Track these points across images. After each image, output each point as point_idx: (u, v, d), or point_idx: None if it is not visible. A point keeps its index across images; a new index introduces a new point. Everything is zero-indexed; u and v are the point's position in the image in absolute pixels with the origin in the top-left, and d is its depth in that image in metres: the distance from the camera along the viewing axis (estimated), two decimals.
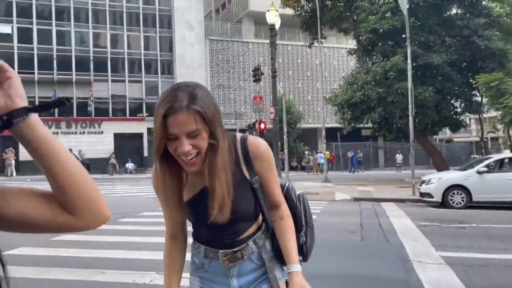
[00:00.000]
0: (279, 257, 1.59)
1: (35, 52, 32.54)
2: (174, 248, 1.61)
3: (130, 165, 33.12)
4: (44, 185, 0.82)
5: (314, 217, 1.78)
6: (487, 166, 12.15)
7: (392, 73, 19.34)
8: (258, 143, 1.50)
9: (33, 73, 32.22)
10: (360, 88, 19.67)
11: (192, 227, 1.62)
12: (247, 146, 1.49)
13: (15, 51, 32.05)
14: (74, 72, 33.38)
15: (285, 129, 22.24)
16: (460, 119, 21.89)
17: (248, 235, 1.57)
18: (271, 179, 1.53)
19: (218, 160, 1.37)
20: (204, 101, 1.33)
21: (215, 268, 1.58)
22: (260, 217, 1.61)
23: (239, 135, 1.53)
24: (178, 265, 1.61)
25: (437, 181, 12.38)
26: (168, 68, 36.58)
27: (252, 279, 1.58)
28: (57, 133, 32.78)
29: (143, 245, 6.74)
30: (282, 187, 1.66)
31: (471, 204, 11.76)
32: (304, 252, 1.66)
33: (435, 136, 35.03)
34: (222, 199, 1.40)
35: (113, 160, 31.11)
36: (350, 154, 34.50)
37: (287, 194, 1.67)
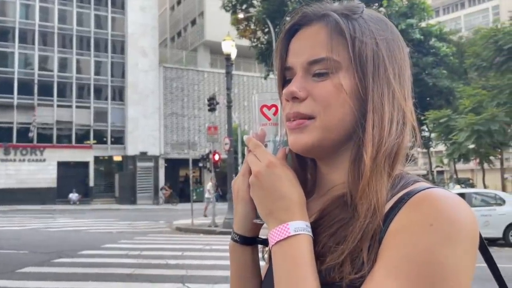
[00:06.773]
0: None
1: None
2: None
3: (74, 196, 31.27)
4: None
5: None
6: None
7: None
8: (445, 201, 0.59)
9: None
10: None
11: None
12: (410, 194, 0.62)
13: None
14: (16, 96, 31.43)
15: (240, 160, 21.75)
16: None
17: None
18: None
19: (365, 161, 0.62)
20: (367, 28, 0.64)
21: None
22: None
23: (420, 184, 0.66)
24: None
25: None
26: (120, 94, 35.39)
27: None
28: None
29: None
30: None
31: None
32: None
33: None
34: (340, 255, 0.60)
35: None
36: None
37: None
